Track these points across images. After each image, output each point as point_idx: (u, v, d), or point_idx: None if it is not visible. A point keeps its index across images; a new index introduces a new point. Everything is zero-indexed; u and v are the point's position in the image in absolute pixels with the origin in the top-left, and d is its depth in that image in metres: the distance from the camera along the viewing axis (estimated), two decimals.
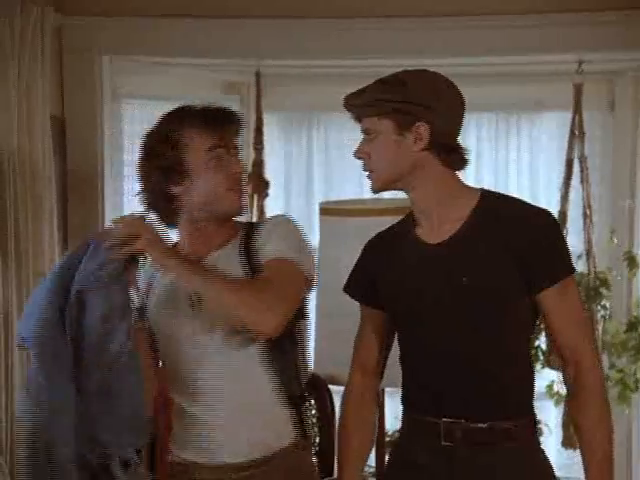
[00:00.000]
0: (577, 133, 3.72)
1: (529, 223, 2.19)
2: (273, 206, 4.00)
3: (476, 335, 2.18)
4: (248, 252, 2.33)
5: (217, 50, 3.63)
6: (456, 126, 2.23)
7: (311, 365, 3.28)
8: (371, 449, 2.45)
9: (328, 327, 3.09)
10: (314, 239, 3.54)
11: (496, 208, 2.23)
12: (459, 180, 2.27)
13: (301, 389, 2.42)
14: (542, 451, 2.28)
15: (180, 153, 2.29)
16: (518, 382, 2.24)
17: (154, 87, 3.81)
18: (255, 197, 3.88)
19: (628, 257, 3.77)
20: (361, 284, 2.38)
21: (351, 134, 4.04)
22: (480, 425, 2.19)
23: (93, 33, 3.56)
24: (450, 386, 2.20)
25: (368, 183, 2.28)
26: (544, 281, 2.17)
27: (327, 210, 3.18)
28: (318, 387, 2.98)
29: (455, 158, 2.23)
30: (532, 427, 2.26)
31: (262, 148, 3.89)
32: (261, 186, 3.88)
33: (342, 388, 3.35)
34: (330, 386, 3.04)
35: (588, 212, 3.63)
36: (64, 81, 3.58)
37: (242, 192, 2.34)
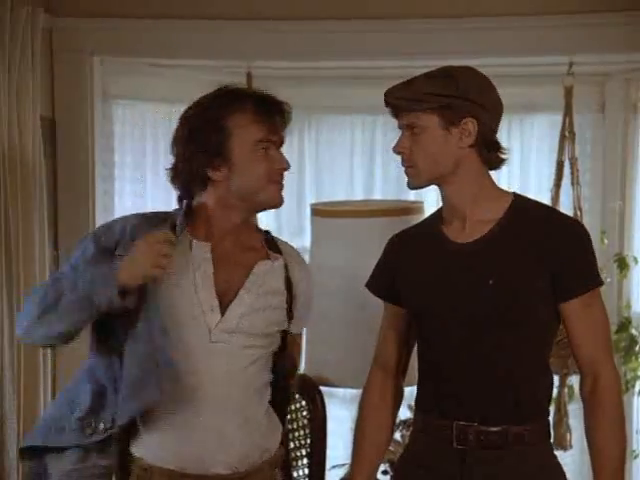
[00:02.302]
0: (568, 135, 3.72)
1: (562, 231, 2.18)
2: None
3: (496, 338, 2.16)
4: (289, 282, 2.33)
5: (208, 51, 3.62)
6: (498, 123, 2.22)
7: (302, 367, 3.30)
8: (385, 451, 2.43)
9: (319, 328, 3.09)
10: (305, 240, 3.55)
11: (528, 213, 2.22)
12: (493, 180, 2.25)
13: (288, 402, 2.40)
14: (555, 456, 2.26)
15: (226, 140, 2.21)
16: (534, 387, 2.22)
17: (145, 88, 3.80)
18: None
19: (618, 259, 3.78)
20: (383, 281, 2.35)
21: (342, 135, 4.10)
22: (493, 429, 2.18)
23: (84, 34, 3.56)
24: (466, 389, 2.19)
25: (405, 178, 2.24)
26: (571, 290, 2.16)
27: (318, 211, 3.18)
28: (309, 389, 2.97)
29: (494, 156, 2.22)
30: (545, 432, 2.24)
31: None
32: None
33: (333, 390, 3.37)
34: (321, 387, 3.04)
35: (579, 214, 3.62)
36: (55, 82, 3.57)
37: (283, 186, 2.26)
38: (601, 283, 2.21)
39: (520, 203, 2.24)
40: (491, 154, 2.21)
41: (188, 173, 2.27)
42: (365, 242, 3.01)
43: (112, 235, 2.25)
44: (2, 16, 3.22)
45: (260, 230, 2.38)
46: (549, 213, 2.28)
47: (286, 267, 2.31)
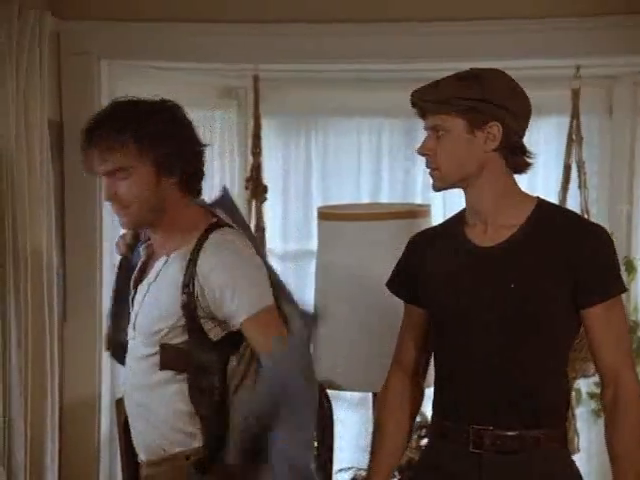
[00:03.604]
0: (575, 138, 3.72)
1: (585, 237, 2.17)
2: (271, 211, 4.00)
3: (515, 343, 2.15)
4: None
5: (215, 54, 3.62)
6: (525, 127, 2.21)
7: None
8: (403, 452, 2.42)
9: (325, 332, 3.09)
10: (312, 244, 3.55)
11: (552, 218, 2.21)
12: (517, 185, 2.24)
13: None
14: (573, 462, 2.25)
15: None
16: (552, 392, 2.21)
17: (151, 91, 3.78)
18: (253, 202, 3.88)
19: (626, 262, 3.77)
20: (403, 281, 2.35)
21: (349, 138, 4.09)
22: (509, 433, 2.17)
23: (91, 37, 3.56)
24: (482, 392, 2.18)
25: (430, 180, 2.23)
26: (593, 297, 2.15)
27: (325, 215, 3.18)
28: None
29: (520, 160, 2.21)
30: (563, 437, 2.23)
31: (260, 153, 3.89)
32: (259, 191, 3.88)
33: (340, 393, 3.37)
34: (328, 391, 3.03)
35: (586, 217, 3.62)
36: (62, 85, 3.57)
37: (121, 212, 2.33)
38: (624, 289, 2.20)
39: (543, 208, 2.23)
40: (516, 158, 2.20)
41: None
42: (372, 246, 3.01)
43: None
44: (10, 19, 3.22)
45: (209, 227, 2.39)
46: (572, 218, 2.26)
47: (194, 261, 2.30)
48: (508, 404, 2.17)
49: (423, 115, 2.21)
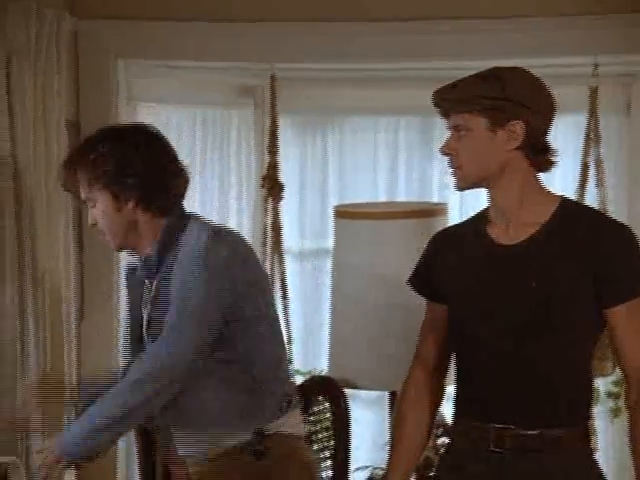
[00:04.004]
0: (593, 136, 3.70)
1: (609, 236, 2.16)
2: (287, 209, 4.00)
3: (536, 341, 2.14)
4: None
5: (232, 53, 3.63)
6: (548, 125, 2.20)
7: (325, 369, 3.30)
8: (424, 449, 2.41)
9: (342, 330, 3.09)
10: (328, 242, 3.55)
11: (576, 216, 2.20)
12: (541, 183, 2.23)
13: None
14: (596, 462, 2.24)
15: None
16: (573, 391, 2.20)
17: (169, 90, 3.81)
18: (270, 200, 3.88)
19: None
20: (425, 278, 2.34)
21: (366, 137, 4.09)
22: (530, 432, 2.16)
23: (108, 37, 3.57)
24: (503, 391, 2.17)
25: (452, 180, 2.23)
26: (618, 296, 2.14)
27: (342, 213, 3.18)
28: (332, 391, 2.97)
29: (543, 159, 2.20)
30: (585, 436, 2.21)
31: (277, 151, 3.89)
32: (276, 189, 3.88)
33: (356, 392, 3.37)
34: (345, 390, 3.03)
35: None
36: (80, 85, 3.58)
37: (103, 239, 2.43)
38: None
39: (567, 206, 2.22)
40: (540, 157, 2.19)
41: None
42: (388, 244, 3.01)
43: None
44: (28, 20, 3.24)
45: None
46: (596, 216, 2.25)
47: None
48: (529, 403, 2.16)
49: (445, 114, 2.20)
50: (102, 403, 2.29)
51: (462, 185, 2.22)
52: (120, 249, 2.51)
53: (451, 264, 2.27)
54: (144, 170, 2.37)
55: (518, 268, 2.17)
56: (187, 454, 2.40)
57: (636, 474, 2.16)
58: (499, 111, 2.12)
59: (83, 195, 2.42)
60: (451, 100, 2.16)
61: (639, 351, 2.16)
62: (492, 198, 2.23)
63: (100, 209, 2.38)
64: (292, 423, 2.42)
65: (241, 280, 2.34)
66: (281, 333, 2.50)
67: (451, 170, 2.22)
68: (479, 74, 2.17)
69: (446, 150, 2.21)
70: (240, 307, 2.33)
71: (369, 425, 3.94)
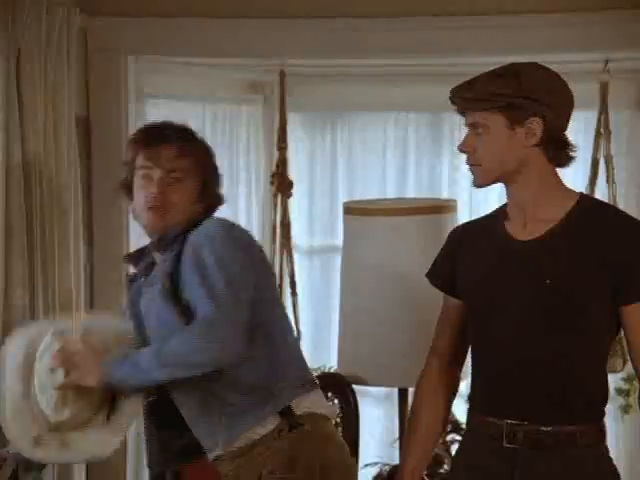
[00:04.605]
0: (603, 132, 3.69)
1: (626, 234, 2.15)
2: (296, 206, 4.00)
3: (551, 338, 2.14)
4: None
5: (241, 50, 3.63)
6: (567, 121, 2.20)
7: (334, 365, 3.30)
8: (438, 439, 2.42)
9: (351, 327, 3.09)
10: (338, 239, 3.55)
11: (593, 214, 2.19)
12: (560, 179, 2.23)
13: None
14: (610, 460, 2.23)
15: (130, 168, 2.49)
16: (587, 388, 2.19)
17: (179, 87, 3.81)
18: (279, 197, 3.88)
19: None
20: (442, 272, 2.35)
21: (375, 133, 4.09)
22: (544, 428, 2.15)
23: (118, 33, 3.57)
24: (517, 387, 2.17)
25: (471, 177, 2.22)
26: (632, 295, 2.14)
27: (351, 209, 3.18)
28: (342, 387, 2.97)
29: (562, 155, 2.19)
30: (599, 433, 2.21)
31: (286, 148, 3.89)
32: (285, 186, 3.88)
33: (366, 388, 3.36)
34: (354, 386, 3.04)
35: None
36: (89, 81, 3.59)
37: (159, 211, 2.41)
38: None
39: (585, 203, 2.21)
40: (559, 152, 2.19)
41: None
42: (398, 240, 3.01)
43: None
44: (38, 16, 3.25)
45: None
46: (614, 214, 2.24)
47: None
48: (543, 399, 2.16)
49: (463, 112, 2.19)
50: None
51: (481, 182, 2.21)
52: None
53: (468, 259, 2.27)
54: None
55: (533, 264, 2.17)
56: (218, 452, 2.38)
57: None
58: (517, 108, 2.12)
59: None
60: (468, 98, 2.16)
61: None
62: (510, 194, 2.22)
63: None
64: (321, 404, 2.42)
65: (258, 258, 2.41)
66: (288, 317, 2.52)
67: (469, 167, 2.21)
68: (496, 71, 2.16)
69: (464, 148, 2.20)
70: (260, 286, 2.35)
71: (378, 421, 3.94)
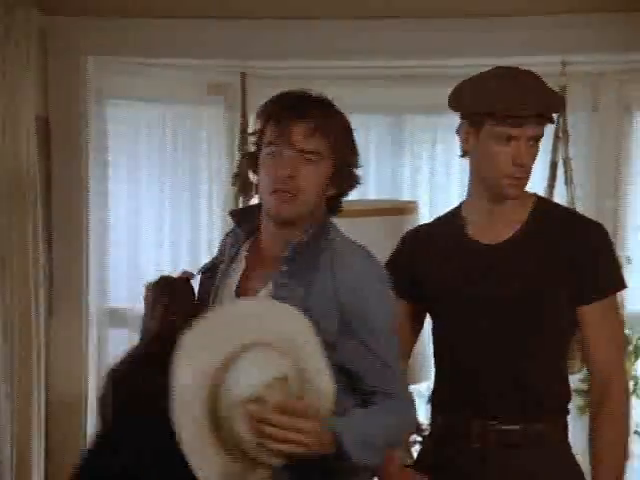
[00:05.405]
0: (561, 135, 3.72)
1: (586, 235, 2.20)
2: None
3: (518, 339, 2.17)
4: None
5: (202, 51, 3.62)
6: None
7: None
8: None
9: None
10: None
11: (552, 216, 2.24)
12: None
13: None
14: (573, 456, 2.27)
15: (257, 140, 2.16)
16: (553, 387, 2.23)
17: (139, 88, 3.80)
18: (241, 198, 3.87)
19: None
20: (396, 277, 2.30)
21: None
22: (513, 427, 2.18)
23: (77, 34, 3.55)
24: (485, 388, 2.20)
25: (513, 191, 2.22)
26: (589, 296, 2.18)
27: None
28: None
29: None
30: (564, 430, 2.25)
31: (247, 149, 3.88)
32: (247, 188, 3.87)
33: None
34: None
35: None
36: (49, 81, 3.56)
37: (287, 196, 2.06)
38: (624, 285, 2.21)
39: (542, 205, 2.26)
40: None
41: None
42: (359, 242, 3.01)
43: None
44: None
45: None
46: (571, 216, 2.29)
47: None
48: (510, 398, 2.19)
49: (521, 123, 2.18)
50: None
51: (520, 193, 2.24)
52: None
53: (428, 263, 2.28)
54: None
55: (500, 267, 2.20)
56: None
57: (593, 474, 2.19)
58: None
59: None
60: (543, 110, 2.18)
61: (608, 351, 2.20)
62: (480, 198, 2.24)
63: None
64: None
65: None
66: None
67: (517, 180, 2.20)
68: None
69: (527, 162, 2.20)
70: None
71: None
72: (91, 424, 3.61)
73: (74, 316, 3.57)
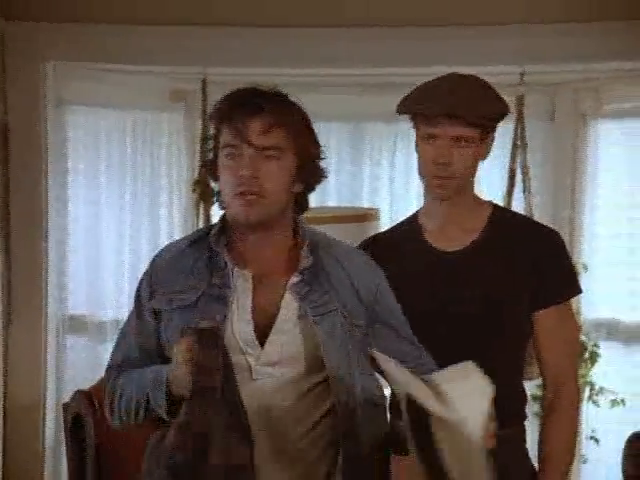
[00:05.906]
0: (519, 143, 3.77)
1: (542, 241, 2.22)
2: (219, 214, 3.98)
3: (479, 345, 2.18)
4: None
5: (163, 57, 3.62)
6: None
7: None
8: None
9: None
10: None
11: (509, 222, 2.26)
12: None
13: None
14: (530, 460, 2.29)
15: (214, 145, 2.02)
16: (513, 393, 2.25)
17: (99, 94, 3.78)
18: (201, 205, 3.87)
19: None
20: None
21: None
22: None
23: (38, 39, 3.53)
24: None
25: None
26: (544, 301, 2.20)
27: None
28: None
29: None
30: (523, 435, 2.28)
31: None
32: (207, 194, 3.87)
33: None
34: None
35: None
36: (7, 87, 3.54)
37: (251, 199, 1.95)
38: (579, 291, 2.25)
39: (500, 212, 2.29)
40: None
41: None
42: None
43: (146, 288, 2.04)
44: None
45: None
46: (528, 223, 2.33)
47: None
48: None
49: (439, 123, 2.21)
50: None
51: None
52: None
53: (390, 271, 2.29)
54: None
55: (460, 275, 2.22)
56: None
57: (539, 472, 2.21)
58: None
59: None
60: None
61: (561, 357, 2.23)
62: (439, 205, 2.25)
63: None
64: None
65: None
66: None
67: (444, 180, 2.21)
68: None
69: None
70: None
71: None
72: (49, 430, 3.59)
73: (33, 323, 3.54)
